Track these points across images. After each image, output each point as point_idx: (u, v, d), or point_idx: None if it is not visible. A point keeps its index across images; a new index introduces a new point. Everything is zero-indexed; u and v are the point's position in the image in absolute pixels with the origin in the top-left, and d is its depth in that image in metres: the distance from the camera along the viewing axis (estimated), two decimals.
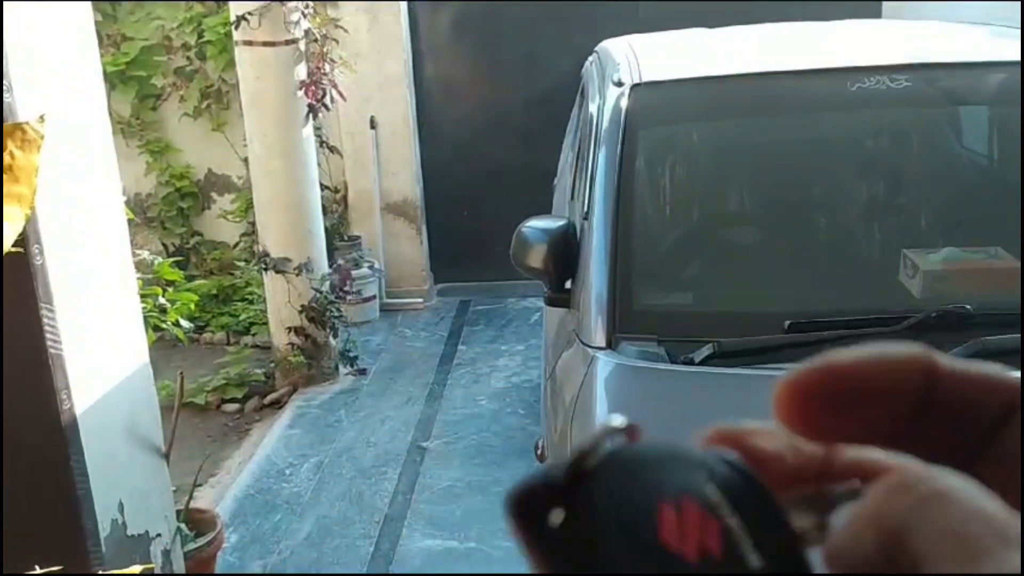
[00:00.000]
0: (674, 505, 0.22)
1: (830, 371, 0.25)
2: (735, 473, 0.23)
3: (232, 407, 4.27)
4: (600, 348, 1.90)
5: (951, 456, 0.24)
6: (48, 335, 1.86)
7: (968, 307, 1.81)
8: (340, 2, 4.92)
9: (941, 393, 0.24)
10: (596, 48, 3.05)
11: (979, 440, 0.24)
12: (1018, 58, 2.28)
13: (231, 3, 3.96)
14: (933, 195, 2.45)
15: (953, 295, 1.91)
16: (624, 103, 2.26)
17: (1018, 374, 0.24)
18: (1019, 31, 2.47)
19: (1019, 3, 2.96)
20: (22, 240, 1.60)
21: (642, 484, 0.23)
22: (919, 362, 0.24)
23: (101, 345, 2.14)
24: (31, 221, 1.73)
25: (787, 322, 1.84)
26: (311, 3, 4.11)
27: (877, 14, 4.98)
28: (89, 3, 2.14)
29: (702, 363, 1.80)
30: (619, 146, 2.18)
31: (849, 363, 0.24)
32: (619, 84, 2.33)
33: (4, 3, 1.75)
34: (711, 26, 3.02)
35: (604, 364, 1.85)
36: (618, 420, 0.24)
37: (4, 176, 0.87)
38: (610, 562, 0.22)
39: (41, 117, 0.88)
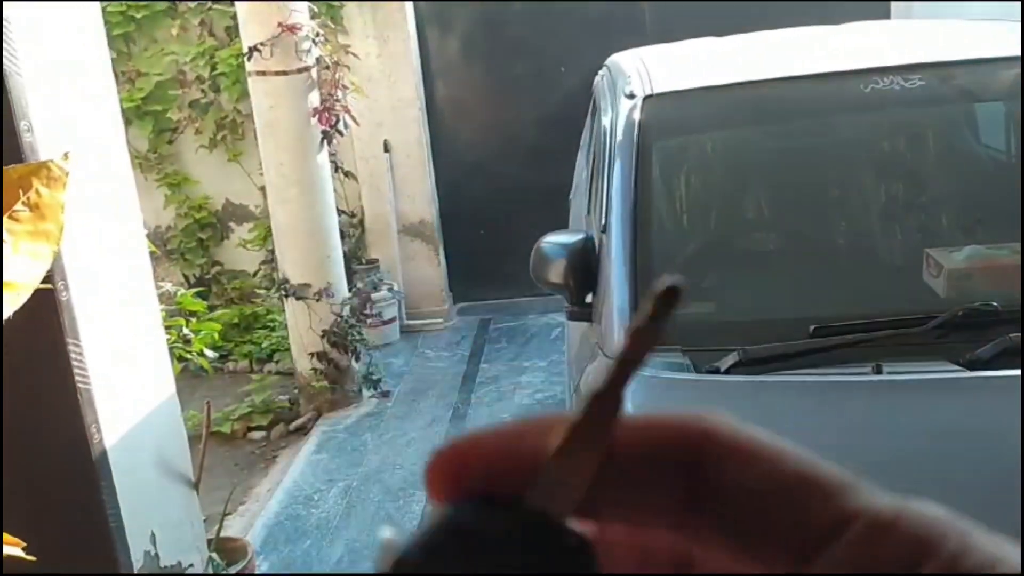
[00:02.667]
0: None
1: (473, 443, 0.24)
2: None
3: (258, 435, 4.28)
4: None
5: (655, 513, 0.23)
6: (76, 370, 1.87)
7: (995, 305, 1.80)
8: (349, 13, 4.97)
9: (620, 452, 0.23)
10: (606, 62, 3.06)
11: (673, 492, 0.23)
12: None
13: (243, 34, 4.01)
14: (953, 193, 2.43)
15: (978, 293, 1.90)
16: (637, 115, 2.26)
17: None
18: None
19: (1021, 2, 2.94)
20: (49, 276, 1.62)
21: None
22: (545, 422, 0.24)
23: (128, 378, 2.15)
24: (56, 258, 1.75)
25: (812, 327, 1.83)
26: (321, 31, 4.15)
27: (885, 14, 4.97)
28: (105, 42, 2.18)
29: (728, 371, 1.79)
30: (634, 158, 2.18)
31: (487, 435, 0.24)
32: (631, 96, 2.34)
33: (23, 46, 1.78)
34: (719, 35, 3.02)
35: None
36: (388, 533, 0.24)
37: (31, 214, 0.88)
38: None
39: (65, 155, 0.89)
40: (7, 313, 0.84)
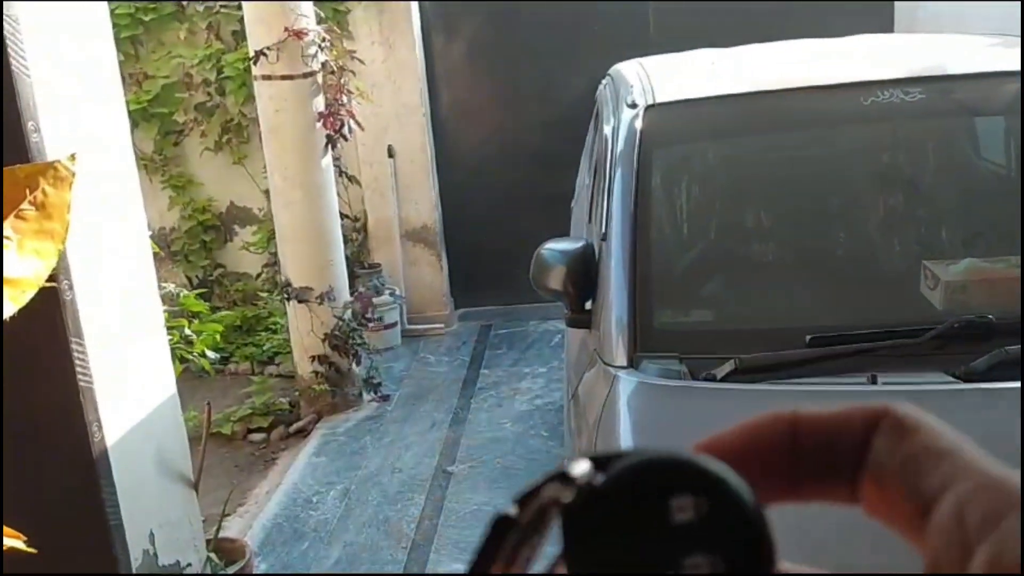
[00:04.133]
0: None
1: (704, 448, 0.28)
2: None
3: (258, 436, 4.30)
4: (622, 367, 1.90)
5: (834, 482, 0.27)
6: (79, 369, 1.89)
7: (990, 317, 1.81)
8: (355, 19, 5.00)
9: (805, 438, 0.28)
10: (609, 71, 3.08)
11: (853, 459, 0.27)
12: None
13: (249, 38, 4.04)
14: (952, 206, 2.44)
15: (975, 306, 1.91)
16: (639, 124, 2.28)
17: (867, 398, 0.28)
18: None
19: None
20: (54, 276, 1.63)
21: None
22: (780, 419, 0.28)
23: (130, 377, 2.17)
24: (60, 257, 1.77)
25: (808, 336, 1.84)
26: (327, 36, 4.18)
27: (889, 27, 4.99)
28: (113, 44, 2.20)
29: (724, 380, 1.81)
30: (635, 166, 2.20)
31: (716, 439, 0.28)
32: (633, 106, 2.36)
33: (31, 47, 1.80)
34: (723, 45, 3.04)
35: (626, 383, 1.86)
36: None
37: (38, 213, 0.90)
38: None
39: (72, 155, 0.91)
40: (12, 311, 0.86)
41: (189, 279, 5.39)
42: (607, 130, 2.53)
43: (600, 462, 0.26)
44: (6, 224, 0.87)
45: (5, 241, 0.86)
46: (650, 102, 2.35)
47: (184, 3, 5.09)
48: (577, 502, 0.25)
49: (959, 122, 2.56)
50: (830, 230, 2.38)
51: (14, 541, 0.74)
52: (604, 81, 3.12)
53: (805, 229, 2.39)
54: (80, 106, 2.03)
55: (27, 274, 0.88)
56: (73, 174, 0.89)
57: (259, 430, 4.32)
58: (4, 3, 1.73)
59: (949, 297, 1.93)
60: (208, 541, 2.63)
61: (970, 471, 0.26)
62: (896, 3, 5.06)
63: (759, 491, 0.26)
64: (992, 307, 1.88)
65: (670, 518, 0.24)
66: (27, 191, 0.88)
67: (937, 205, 2.44)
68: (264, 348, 5.00)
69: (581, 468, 0.26)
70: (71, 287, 1.87)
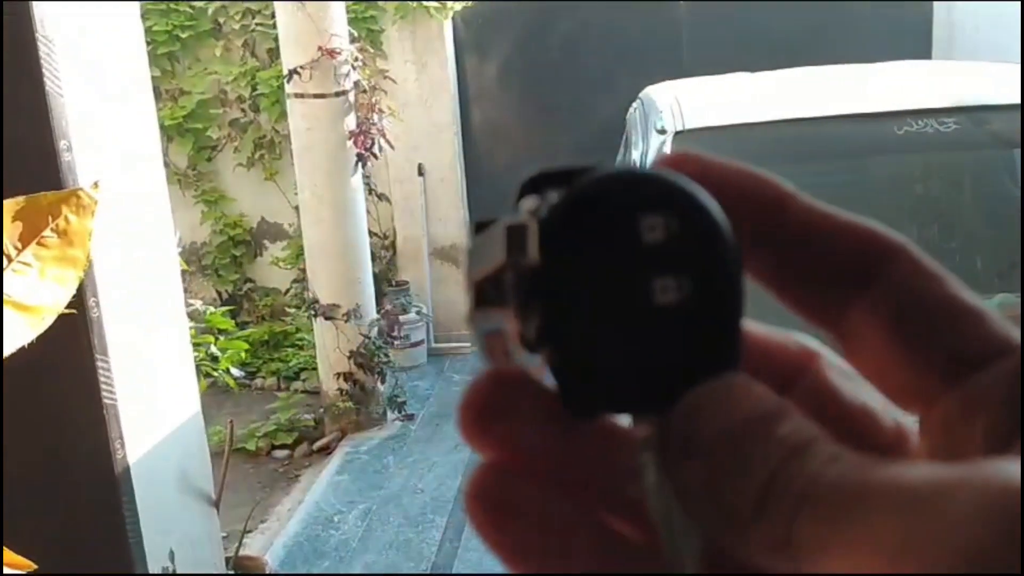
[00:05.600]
0: None
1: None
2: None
3: (282, 453, 4.31)
4: None
5: (822, 294, 0.23)
6: (103, 386, 1.90)
7: None
8: (389, 38, 5.04)
9: (798, 226, 0.24)
10: (640, 95, 3.07)
11: (853, 278, 0.23)
12: None
13: (283, 57, 4.08)
14: (987, 237, 2.40)
15: None
16: (667, 151, 2.26)
17: None
18: None
19: None
20: (81, 294, 1.65)
21: None
22: (771, 185, 0.25)
23: (154, 395, 2.18)
24: (88, 275, 1.78)
25: None
26: (360, 55, 4.21)
27: (927, 53, 4.94)
28: (146, 63, 2.23)
29: None
30: None
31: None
32: (662, 131, 2.34)
33: (65, 67, 1.83)
34: (754, 71, 3.02)
35: None
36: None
37: (59, 240, 0.90)
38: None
39: (95, 183, 0.91)
40: (31, 337, 0.86)
41: (219, 293, 5.44)
42: (635, 156, 2.51)
43: (552, 179, 0.23)
44: (28, 251, 0.87)
45: (26, 268, 0.87)
46: (679, 128, 2.33)
47: (221, 20, 5.16)
48: (545, 223, 0.23)
49: (994, 152, 2.51)
50: None
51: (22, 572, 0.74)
52: (635, 105, 3.11)
53: None
54: (112, 124, 2.06)
55: (47, 301, 0.88)
56: (96, 202, 0.90)
57: (283, 447, 4.33)
58: (40, 24, 1.75)
59: None
60: (228, 559, 2.63)
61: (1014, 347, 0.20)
62: (935, 40, 5.02)
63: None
64: None
65: (640, 238, 0.22)
66: (50, 218, 0.89)
67: (972, 236, 2.40)
68: (290, 364, 5.02)
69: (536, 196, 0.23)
70: (97, 304, 1.88)
